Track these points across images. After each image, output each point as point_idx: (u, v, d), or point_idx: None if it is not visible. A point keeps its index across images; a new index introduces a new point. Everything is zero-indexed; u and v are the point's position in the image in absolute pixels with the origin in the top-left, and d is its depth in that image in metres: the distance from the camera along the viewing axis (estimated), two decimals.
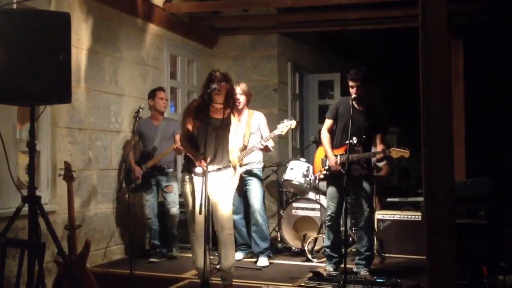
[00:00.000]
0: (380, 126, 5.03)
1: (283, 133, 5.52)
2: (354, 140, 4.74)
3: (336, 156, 5.00)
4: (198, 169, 4.33)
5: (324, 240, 5.36)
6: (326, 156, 5.09)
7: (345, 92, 8.75)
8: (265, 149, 5.54)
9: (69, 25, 3.47)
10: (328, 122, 5.18)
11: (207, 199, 4.32)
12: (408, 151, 4.79)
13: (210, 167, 4.37)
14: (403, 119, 11.36)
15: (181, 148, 5.17)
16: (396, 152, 4.81)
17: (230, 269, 4.54)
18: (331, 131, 5.17)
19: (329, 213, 5.13)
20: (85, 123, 5.50)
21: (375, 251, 5.77)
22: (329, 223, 5.16)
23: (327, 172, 5.06)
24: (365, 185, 4.99)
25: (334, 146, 5.08)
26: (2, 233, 3.43)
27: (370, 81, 4.94)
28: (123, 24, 6.09)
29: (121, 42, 6.05)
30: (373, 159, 5.14)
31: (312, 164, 5.76)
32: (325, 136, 5.15)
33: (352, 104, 4.79)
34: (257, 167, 5.73)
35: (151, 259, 5.62)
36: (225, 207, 4.50)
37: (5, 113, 4.61)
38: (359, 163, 4.92)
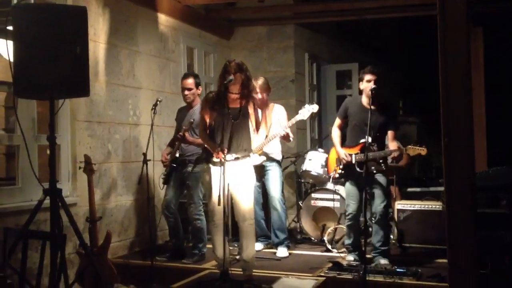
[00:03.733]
0: (392, 123, 5.02)
1: (305, 118, 5.50)
2: (369, 139, 4.79)
3: (351, 155, 5.02)
4: (216, 159, 4.36)
5: (345, 238, 5.35)
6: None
7: None
8: (286, 138, 5.49)
9: (86, 19, 3.50)
10: (337, 121, 5.29)
11: (227, 189, 4.35)
12: (425, 149, 4.77)
13: (228, 157, 4.39)
14: (422, 109, 11.26)
15: (183, 136, 5.10)
16: (413, 150, 4.81)
17: (250, 260, 4.56)
18: (341, 128, 5.28)
19: (349, 211, 5.14)
20: (103, 116, 5.54)
21: (395, 241, 5.76)
22: (349, 222, 5.16)
23: (342, 171, 5.11)
24: (380, 180, 4.98)
25: (348, 145, 5.13)
26: (24, 225, 3.49)
27: (384, 79, 4.96)
28: (139, 17, 6.11)
29: (138, 35, 6.08)
30: (389, 158, 5.09)
31: (326, 165, 5.77)
32: (335, 133, 5.26)
33: (361, 103, 4.94)
34: (277, 157, 5.72)
35: (184, 260, 5.32)
36: (246, 198, 4.51)
37: (25, 107, 4.66)
38: (375, 160, 4.93)
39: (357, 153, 5.00)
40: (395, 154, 4.88)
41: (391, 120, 5.04)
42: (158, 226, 6.27)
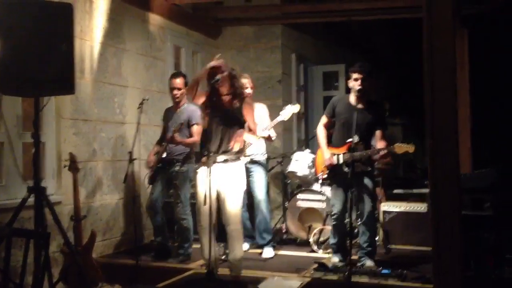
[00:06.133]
0: (380, 122, 4.97)
1: (286, 119, 5.48)
2: (356, 138, 4.75)
3: (338, 155, 5.00)
4: (204, 159, 4.34)
5: (330, 237, 5.36)
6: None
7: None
8: (268, 139, 5.42)
9: (72, 16, 3.48)
10: (324, 119, 5.21)
11: (215, 190, 4.38)
12: (413, 146, 4.74)
13: (219, 158, 4.38)
14: (408, 110, 11.33)
15: (172, 137, 5.06)
16: (400, 148, 4.77)
17: (237, 261, 4.54)
18: (327, 127, 5.21)
19: (334, 211, 5.13)
20: (89, 114, 5.50)
21: (380, 243, 5.79)
22: (334, 222, 5.16)
23: (329, 172, 5.09)
24: (366, 181, 4.96)
25: (335, 145, 5.09)
26: (8, 223, 3.45)
27: (373, 76, 4.89)
28: (126, 15, 6.07)
29: (124, 33, 6.04)
30: (376, 156, 5.06)
31: (314, 165, 5.76)
32: (320, 131, 5.19)
33: (349, 102, 4.86)
34: (260, 158, 5.71)
35: (169, 260, 5.33)
36: (233, 202, 4.47)
37: (10, 104, 4.61)
38: (361, 159, 4.90)
39: (344, 153, 4.94)
40: (383, 152, 4.85)
41: (380, 119, 4.99)
42: (144, 226, 6.24)
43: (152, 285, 4.61)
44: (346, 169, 4.86)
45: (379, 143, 4.95)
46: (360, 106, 4.82)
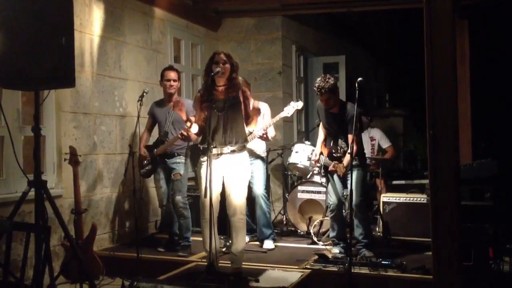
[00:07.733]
0: (349, 127, 4.94)
1: (289, 115, 5.51)
2: (331, 143, 5.16)
3: (322, 154, 5.33)
4: (213, 150, 4.33)
5: (329, 231, 5.40)
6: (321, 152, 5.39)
7: (350, 74, 8.73)
8: (265, 139, 5.35)
9: (71, 9, 3.46)
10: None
11: (221, 181, 4.43)
12: (343, 169, 4.97)
13: (224, 149, 4.38)
14: (408, 102, 11.33)
15: (186, 133, 5.06)
16: (339, 168, 5.02)
17: (239, 253, 4.54)
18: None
19: (330, 203, 5.25)
20: (89, 107, 5.51)
21: (380, 234, 5.81)
22: (331, 214, 5.25)
23: (318, 166, 5.42)
24: (354, 174, 4.97)
25: (326, 146, 5.33)
26: (9, 217, 3.46)
27: (335, 87, 5.10)
28: (126, 8, 6.06)
29: (124, 26, 6.03)
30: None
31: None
32: (319, 133, 5.49)
33: (326, 109, 5.16)
34: (261, 153, 5.70)
35: (180, 253, 5.29)
36: (238, 193, 4.45)
37: (10, 98, 4.62)
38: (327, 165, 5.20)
39: (326, 156, 5.22)
40: (332, 167, 5.10)
41: (349, 123, 4.96)
42: (145, 219, 6.25)
43: (153, 277, 4.62)
44: (322, 172, 5.27)
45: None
46: (334, 111, 4.93)
